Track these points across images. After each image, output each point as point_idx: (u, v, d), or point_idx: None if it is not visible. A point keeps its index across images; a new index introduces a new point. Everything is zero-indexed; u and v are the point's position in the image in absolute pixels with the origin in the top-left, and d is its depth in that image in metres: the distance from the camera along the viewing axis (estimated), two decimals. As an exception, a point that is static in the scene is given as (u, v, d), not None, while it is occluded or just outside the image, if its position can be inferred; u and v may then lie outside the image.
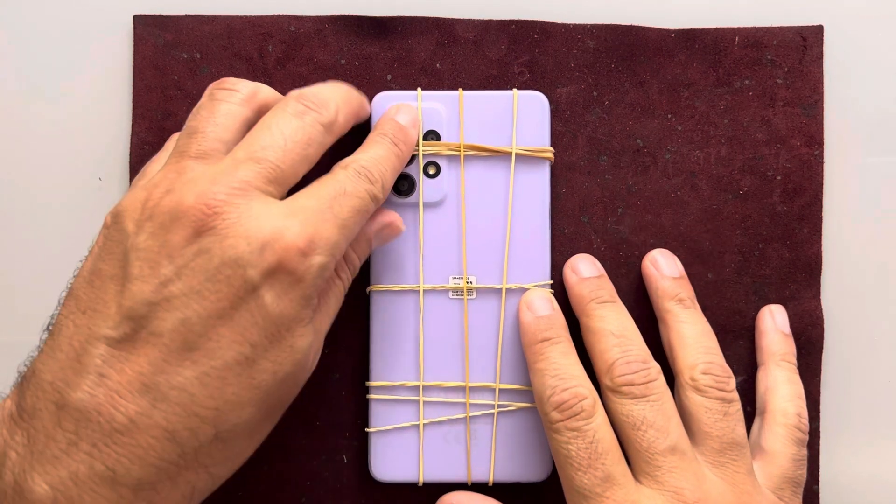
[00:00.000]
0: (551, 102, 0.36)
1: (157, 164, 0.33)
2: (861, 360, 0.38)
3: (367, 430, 0.35)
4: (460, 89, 0.35)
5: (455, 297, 0.35)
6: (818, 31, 0.37)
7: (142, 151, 0.36)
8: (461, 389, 0.35)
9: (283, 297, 0.27)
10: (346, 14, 0.37)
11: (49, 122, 0.37)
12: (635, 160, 0.37)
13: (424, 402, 0.35)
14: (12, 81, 0.37)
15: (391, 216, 0.33)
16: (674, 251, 0.36)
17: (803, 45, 0.37)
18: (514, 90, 0.35)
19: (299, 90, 0.32)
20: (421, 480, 0.35)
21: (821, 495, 0.37)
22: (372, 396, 0.35)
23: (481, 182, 0.35)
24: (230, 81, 0.32)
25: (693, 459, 0.31)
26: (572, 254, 0.36)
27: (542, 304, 0.34)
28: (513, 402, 0.35)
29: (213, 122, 0.30)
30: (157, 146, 0.36)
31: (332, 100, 0.31)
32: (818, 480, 0.37)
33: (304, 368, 0.29)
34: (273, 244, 0.27)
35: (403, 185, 0.35)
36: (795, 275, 0.37)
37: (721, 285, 0.37)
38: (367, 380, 0.35)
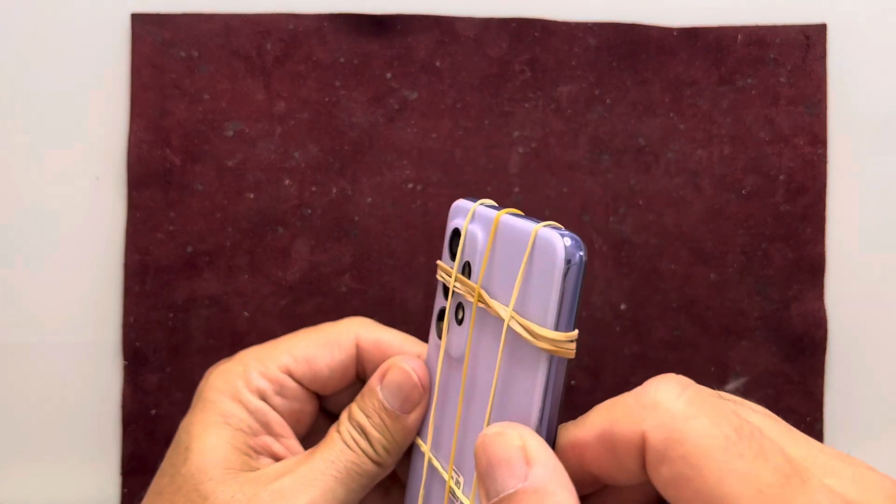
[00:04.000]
0: (552, 101, 0.35)
1: None
2: (865, 360, 0.38)
3: None
4: (498, 214, 0.24)
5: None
6: (821, 29, 0.37)
7: (139, 150, 0.36)
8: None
9: None
10: (346, 12, 0.37)
11: (46, 119, 0.37)
12: (637, 159, 0.36)
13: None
14: (10, 79, 0.37)
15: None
16: (676, 251, 0.36)
17: (806, 44, 0.37)
18: (539, 225, 0.22)
19: None
20: None
21: (824, 497, 0.37)
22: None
23: (492, 345, 0.24)
24: None
25: None
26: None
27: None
28: None
29: None
30: (154, 144, 0.36)
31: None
32: (821, 482, 0.37)
33: None
34: None
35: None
36: (799, 275, 0.37)
37: (724, 285, 0.36)
38: None
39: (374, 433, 0.28)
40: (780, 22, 0.37)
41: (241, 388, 0.28)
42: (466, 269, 0.25)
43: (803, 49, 0.37)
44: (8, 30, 0.37)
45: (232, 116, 0.36)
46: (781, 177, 0.37)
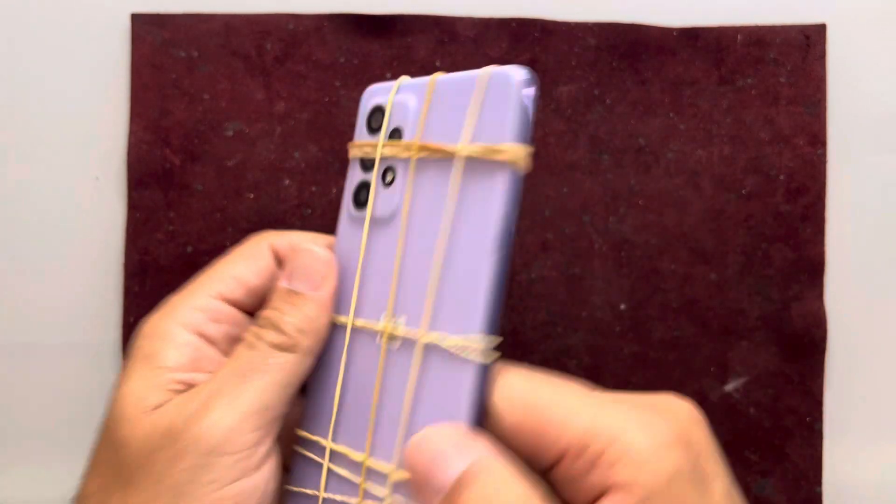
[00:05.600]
0: (552, 101, 0.35)
1: None
2: (865, 360, 0.38)
3: (286, 486, 0.28)
4: (435, 75, 0.26)
5: (381, 342, 0.26)
6: (821, 29, 0.37)
7: (139, 150, 0.36)
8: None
9: None
10: (345, 12, 0.37)
11: (46, 120, 0.37)
12: (637, 159, 0.36)
13: (330, 472, 0.27)
14: (9, 79, 0.37)
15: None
16: (676, 251, 0.36)
17: (806, 44, 0.37)
18: (488, 68, 0.25)
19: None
20: None
21: (824, 497, 0.37)
22: (297, 448, 0.28)
23: (435, 193, 0.26)
24: None
25: None
26: (573, 254, 0.36)
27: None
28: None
29: None
30: (154, 144, 0.36)
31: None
32: (821, 482, 0.37)
33: None
34: None
35: (363, 196, 0.28)
36: (799, 275, 0.37)
37: (724, 285, 0.36)
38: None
39: (283, 318, 0.27)
40: (779, 22, 0.37)
41: (169, 326, 0.27)
42: (395, 136, 0.27)
43: (803, 49, 0.37)
44: (7, 30, 0.37)
45: (232, 116, 0.36)
46: (781, 177, 0.37)
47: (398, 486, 0.24)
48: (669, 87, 0.37)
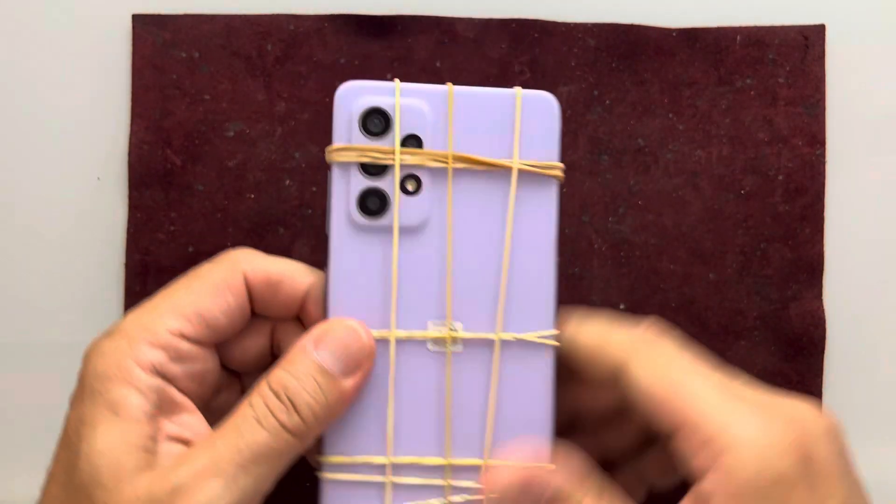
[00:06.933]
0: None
1: None
2: (864, 360, 0.38)
3: None
4: (449, 84, 0.27)
5: (436, 348, 0.27)
6: (820, 30, 0.37)
7: (140, 150, 0.36)
8: (441, 469, 0.27)
9: None
10: (346, 13, 0.37)
11: (47, 120, 0.37)
12: (636, 160, 0.37)
13: (394, 485, 0.27)
14: (9, 80, 0.37)
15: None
16: (675, 251, 0.36)
17: (805, 44, 0.37)
18: (518, 89, 0.27)
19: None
20: None
21: (823, 496, 0.37)
22: (326, 476, 0.27)
23: (473, 202, 0.27)
24: None
25: None
26: (573, 254, 0.36)
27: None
28: None
29: None
30: (155, 145, 0.36)
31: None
32: (820, 481, 0.37)
33: None
34: None
35: (374, 203, 0.27)
36: (797, 275, 0.37)
37: (722, 285, 0.37)
38: (321, 453, 0.27)
39: (304, 396, 0.24)
40: (778, 22, 0.37)
41: (130, 367, 0.25)
42: (410, 143, 0.27)
43: (802, 49, 0.37)
44: (8, 30, 0.37)
45: (232, 117, 0.36)
46: (780, 177, 0.37)
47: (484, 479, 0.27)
48: (668, 88, 0.37)
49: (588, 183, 0.36)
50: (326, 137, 0.37)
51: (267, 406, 0.24)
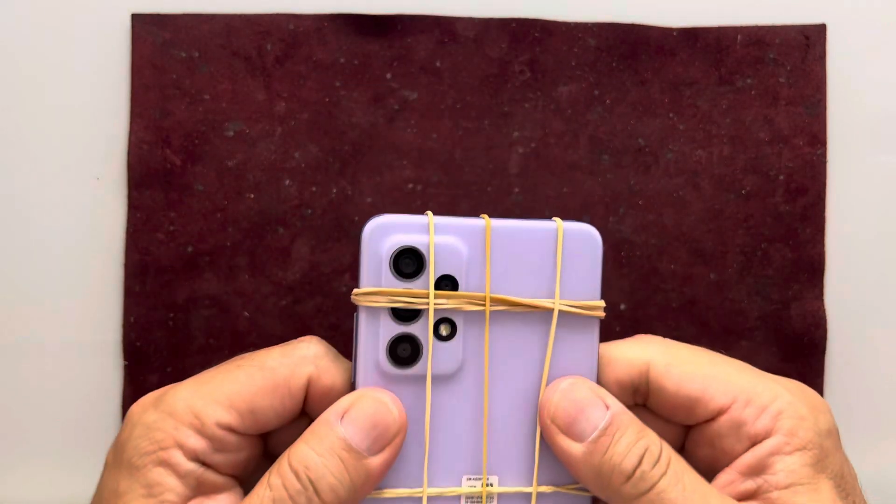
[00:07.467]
0: (552, 101, 0.35)
1: None
2: (864, 360, 0.38)
3: None
4: (486, 217, 0.26)
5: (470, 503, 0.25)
6: (821, 29, 0.37)
7: (140, 150, 0.36)
8: None
9: None
10: (346, 12, 0.37)
11: (46, 120, 0.37)
12: (637, 159, 0.36)
13: None
14: (10, 80, 0.37)
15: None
16: (675, 251, 0.36)
17: (806, 44, 0.37)
18: (558, 221, 0.26)
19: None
20: None
21: (823, 497, 0.37)
22: None
23: (509, 345, 0.26)
24: None
25: None
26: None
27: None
28: None
29: None
30: (155, 145, 0.36)
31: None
32: (821, 482, 0.37)
33: None
34: None
35: (405, 351, 0.25)
36: (798, 275, 0.37)
37: (723, 285, 0.37)
38: None
39: (327, 478, 0.23)
40: (779, 22, 0.37)
41: (172, 452, 0.24)
42: (445, 285, 0.25)
43: (803, 49, 0.37)
44: (8, 30, 0.37)
45: (232, 117, 0.36)
46: (781, 177, 0.37)
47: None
48: (669, 88, 0.37)
49: (589, 183, 0.36)
50: (326, 137, 0.37)
51: (286, 488, 0.23)
